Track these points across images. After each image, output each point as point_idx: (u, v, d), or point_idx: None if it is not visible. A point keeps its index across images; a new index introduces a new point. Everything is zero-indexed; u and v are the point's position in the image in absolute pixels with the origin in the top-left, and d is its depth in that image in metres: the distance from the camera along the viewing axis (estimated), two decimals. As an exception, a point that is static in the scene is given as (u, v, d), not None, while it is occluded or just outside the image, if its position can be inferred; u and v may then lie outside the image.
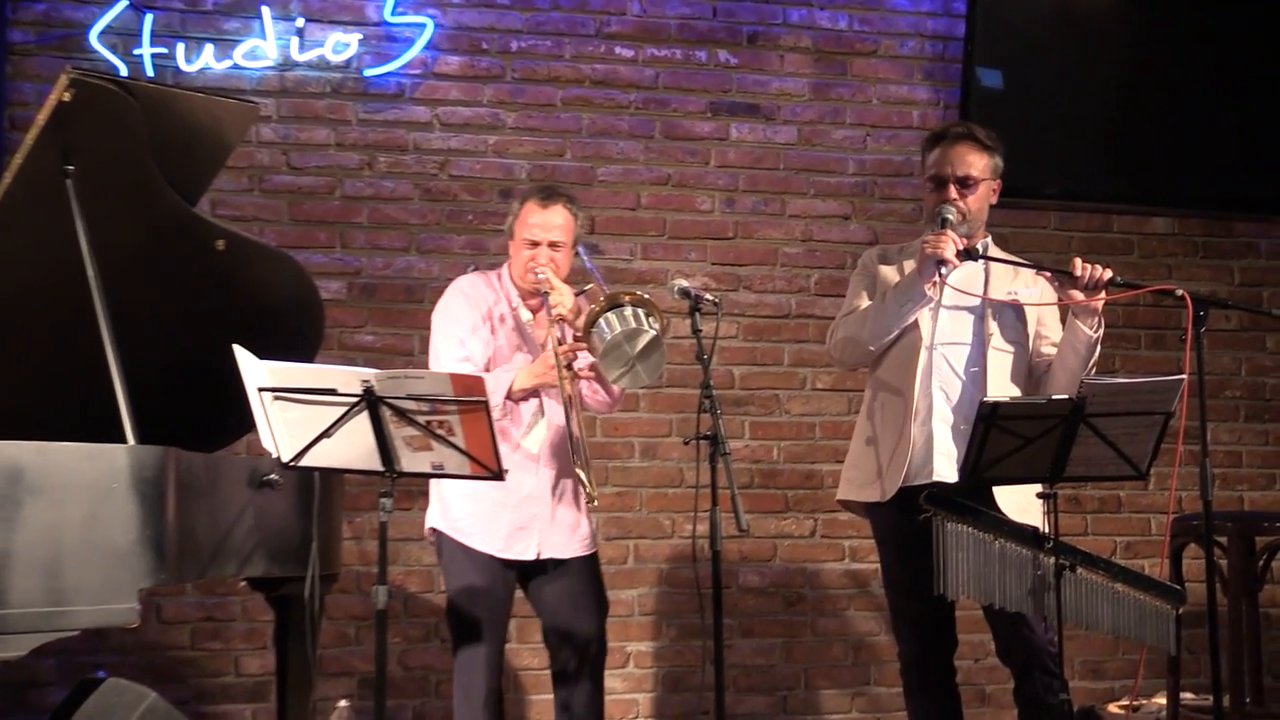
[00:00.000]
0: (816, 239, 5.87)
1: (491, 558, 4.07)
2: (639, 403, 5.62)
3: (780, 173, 5.87)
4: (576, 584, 4.14)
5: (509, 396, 4.02)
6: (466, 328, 4.13)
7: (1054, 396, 3.54)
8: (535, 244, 4.09)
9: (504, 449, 4.05)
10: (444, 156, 5.59)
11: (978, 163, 3.92)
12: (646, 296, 3.76)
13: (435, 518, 4.17)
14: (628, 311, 3.72)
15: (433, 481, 4.18)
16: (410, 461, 3.41)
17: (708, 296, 3.77)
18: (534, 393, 4.06)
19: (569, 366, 3.98)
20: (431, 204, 5.57)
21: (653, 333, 3.68)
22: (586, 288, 4.18)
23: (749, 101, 5.86)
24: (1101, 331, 3.85)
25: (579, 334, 3.90)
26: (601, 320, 3.73)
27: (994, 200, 4.00)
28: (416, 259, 5.53)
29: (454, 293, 4.21)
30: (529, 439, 4.08)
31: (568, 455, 4.09)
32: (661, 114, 5.78)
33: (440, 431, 3.34)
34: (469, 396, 3.30)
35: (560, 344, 3.99)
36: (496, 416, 4.02)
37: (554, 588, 4.12)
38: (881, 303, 3.90)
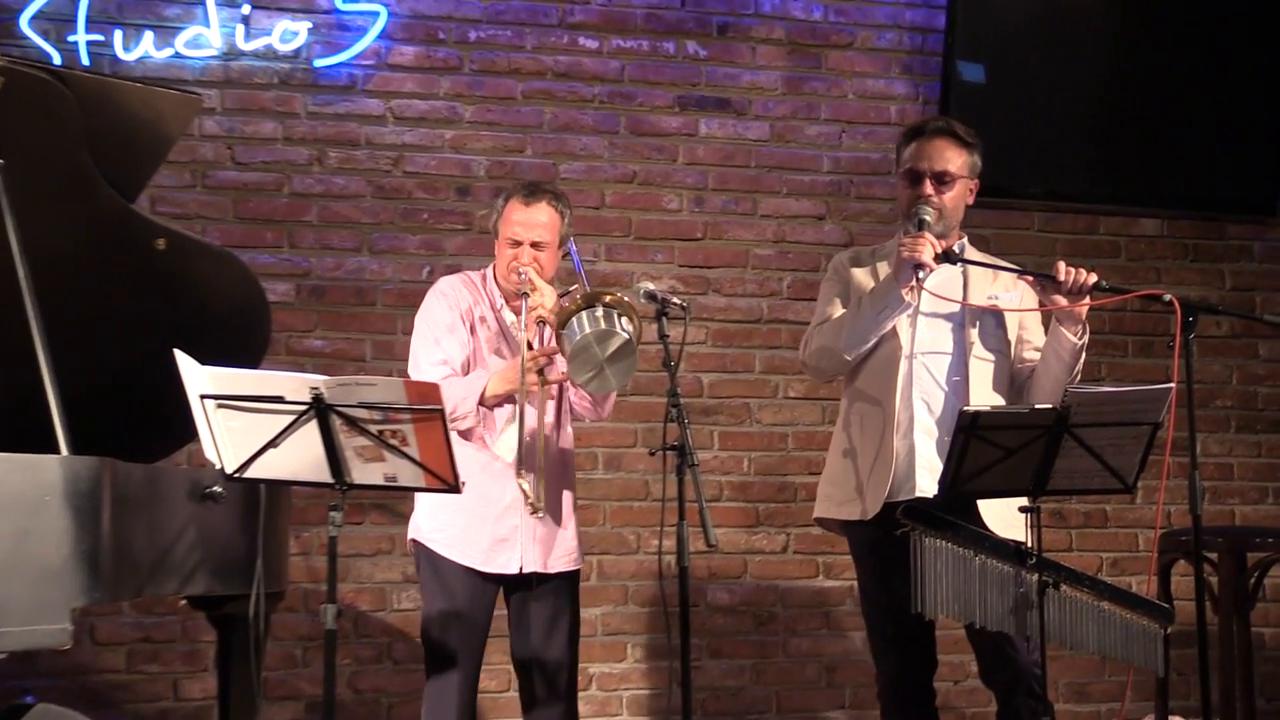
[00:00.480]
0: (789, 240, 5.89)
1: (471, 571, 4.06)
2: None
3: (751, 170, 5.88)
4: (554, 604, 4.12)
5: (482, 402, 4.01)
6: (443, 329, 4.13)
7: (1037, 406, 3.55)
8: (517, 243, 4.09)
9: (484, 458, 4.06)
10: (398, 152, 5.58)
11: (956, 159, 3.93)
12: (625, 299, 3.76)
13: (416, 529, 4.16)
14: (599, 312, 3.72)
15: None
16: (361, 473, 3.40)
17: (675, 300, 3.77)
18: (510, 398, 4.04)
19: (540, 372, 3.97)
20: (384, 202, 5.56)
21: (624, 336, 3.68)
22: (571, 289, 4.17)
23: (719, 95, 5.87)
24: (1086, 338, 3.87)
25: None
26: (573, 320, 3.73)
27: (970, 201, 4.02)
28: (369, 260, 5.52)
29: (433, 294, 4.21)
30: (500, 445, 4.07)
31: (552, 453, 4.10)
32: (627, 108, 5.79)
33: (393, 442, 3.33)
34: (424, 405, 3.29)
35: (531, 348, 3.99)
36: (471, 423, 4.01)
37: (533, 606, 4.11)
38: (857, 310, 3.89)
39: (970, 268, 3.99)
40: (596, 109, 5.76)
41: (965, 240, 4.04)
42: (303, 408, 3.30)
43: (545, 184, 4.27)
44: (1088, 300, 3.80)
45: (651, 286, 3.80)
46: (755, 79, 5.91)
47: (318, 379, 3.31)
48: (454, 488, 3.39)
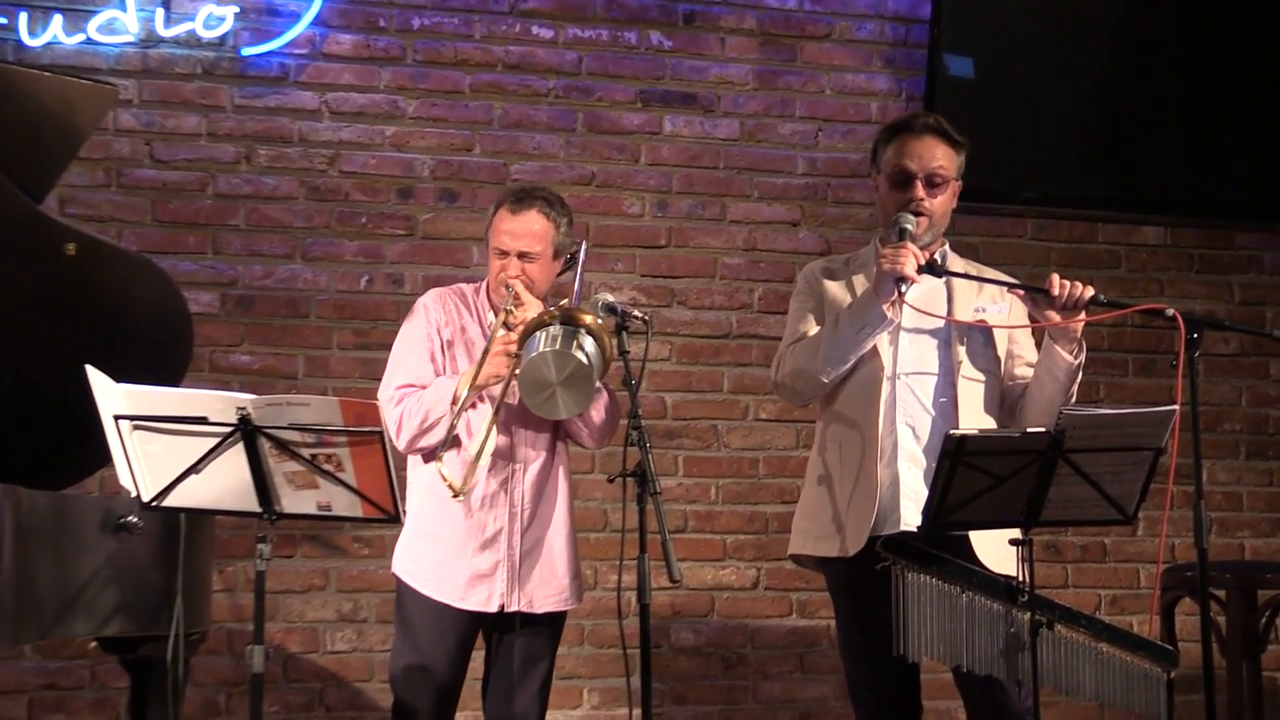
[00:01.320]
0: (761, 248, 5.90)
1: (447, 610, 4.04)
2: (557, 435, 5.61)
3: (720, 172, 5.90)
4: (529, 649, 4.10)
5: (457, 404, 3.96)
6: (412, 348, 4.13)
7: (1029, 429, 3.56)
8: (505, 253, 4.09)
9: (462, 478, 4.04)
10: (334, 150, 5.58)
11: (947, 159, 3.93)
12: (601, 322, 3.73)
13: (395, 561, 4.16)
14: (558, 330, 3.70)
15: (408, 516, 4.17)
16: (292, 501, 3.39)
17: (636, 313, 3.78)
18: (492, 404, 4.01)
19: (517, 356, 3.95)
20: (319, 204, 5.55)
21: (581, 361, 3.65)
22: (563, 302, 4.16)
23: (685, 90, 5.89)
24: (1083, 357, 3.88)
25: None
26: (533, 335, 3.72)
27: (954, 204, 4.03)
28: (301, 268, 5.51)
29: (414, 310, 4.22)
30: (473, 445, 4.03)
31: (545, 483, 4.10)
32: (585, 104, 5.80)
33: (327, 467, 3.33)
34: (361, 426, 3.29)
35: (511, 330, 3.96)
36: (443, 433, 3.95)
37: (507, 651, 4.09)
38: (834, 328, 3.88)
39: (955, 279, 4.00)
40: (551, 104, 5.77)
41: (947, 248, 4.04)
42: (228, 429, 3.29)
43: (538, 189, 4.24)
44: (1084, 316, 3.82)
45: (611, 298, 3.80)
46: (724, 72, 5.93)
47: (245, 398, 3.30)
48: (394, 517, 3.39)
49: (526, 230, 4.09)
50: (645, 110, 5.85)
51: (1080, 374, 3.90)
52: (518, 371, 3.75)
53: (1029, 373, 3.97)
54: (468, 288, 4.27)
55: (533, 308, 3.98)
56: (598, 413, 4.09)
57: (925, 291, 3.92)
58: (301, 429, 3.29)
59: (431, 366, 4.11)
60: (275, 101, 5.55)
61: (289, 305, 5.49)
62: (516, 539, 4.07)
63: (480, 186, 5.66)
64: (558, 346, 3.66)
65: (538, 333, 3.71)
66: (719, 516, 5.78)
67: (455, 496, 3.85)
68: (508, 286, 4.04)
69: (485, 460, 3.96)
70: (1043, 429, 3.49)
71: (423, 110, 5.66)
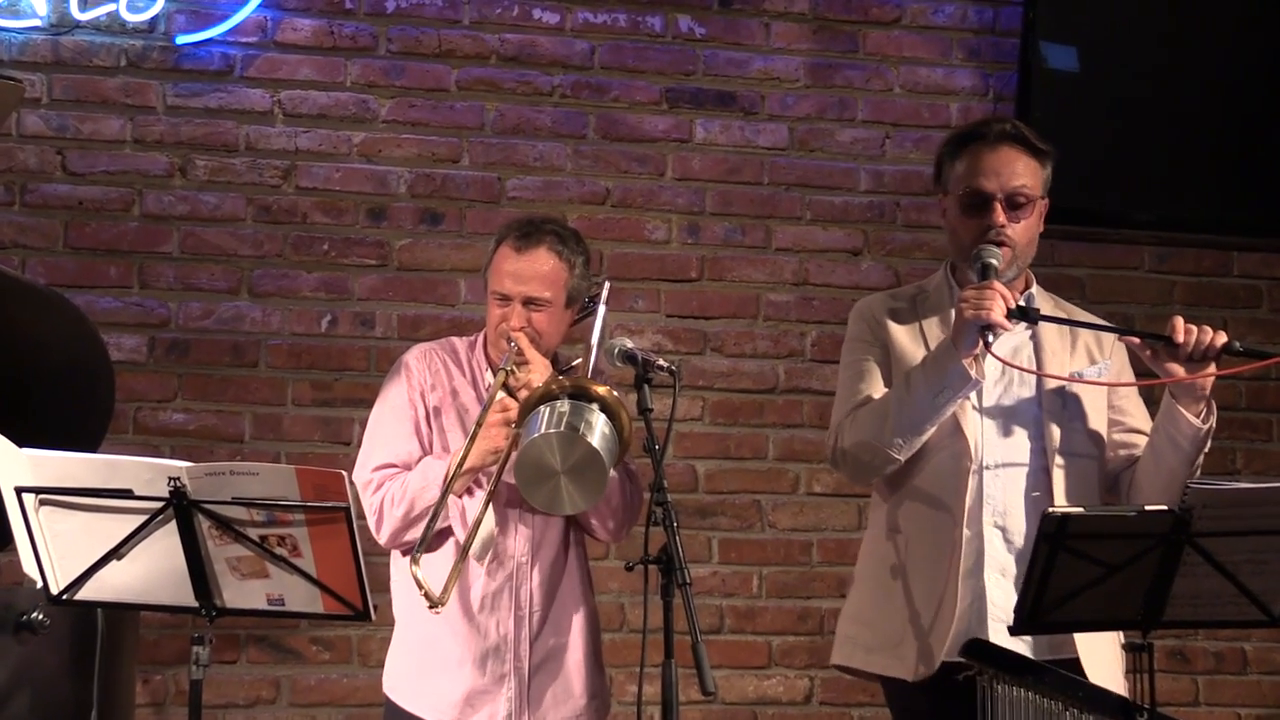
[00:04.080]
0: (814, 282, 5.91)
1: None
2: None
3: (764, 189, 5.92)
4: None
5: (449, 487, 3.94)
6: (391, 420, 4.14)
7: (1148, 507, 3.55)
8: (507, 299, 4.10)
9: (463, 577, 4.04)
10: (289, 160, 5.60)
11: (1030, 174, 3.91)
12: (617, 396, 3.70)
13: (385, 674, 4.17)
14: (562, 405, 3.66)
15: (396, 620, 4.16)
16: (236, 593, 3.39)
17: (661, 362, 3.77)
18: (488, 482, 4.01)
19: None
20: (271, 227, 5.57)
21: (591, 447, 3.62)
22: (573, 364, 4.17)
23: (721, 88, 5.91)
24: (1214, 420, 3.87)
25: None
26: (533, 413, 3.68)
27: (1041, 227, 4.02)
28: (248, 305, 5.53)
29: (395, 371, 4.23)
30: (474, 547, 4.03)
31: (559, 580, 4.12)
32: (599, 104, 5.82)
33: (280, 551, 3.33)
34: (322, 501, 3.29)
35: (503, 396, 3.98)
36: (438, 525, 3.96)
37: None
38: (906, 390, 3.86)
39: (1042, 326, 3.98)
40: (557, 105, 5.80)
41: (1034, 286, 4.03)
42: (157, 505, 3.29)
43: (548, 222, 4.25)
44: (1215, 368, 3.81)
45: (629, 344, 3.80)
46: (769, 66, 5.95)
47: (178, 466, 3.30)
48: (361, 614, 3.38)
49: (534, 272, 4.10)
50: (672, 112, 5.87)
51: (1210, 441, 3.89)
52: (515, 453, 3.75)
53: (1136, 440, 3.96)
54: (460, 342, 4.29)
55: (539, 368, 3.99)
56: (615, 494, 4.09)
57: (1008, 352, 3.91)
58: (248, 504, 3.29)
59: (416, 441, 4.12)
60: (217, 101, 5.57)
61: (233, 352, 5.50)
62: (525, 648, 4.07)
63: (469, 206, 5.68)
64: (563, 427, 3.63)
65: (540, 408, 3.68)
66: (763, 613, 5.77)
67: (432, 608, 3.81)
68: (509, 340, 4.04)
69: (478, 547, 3.97)
70: (1165, 507, 3.46)
71: (398, 112, 5.69)
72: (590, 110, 5.82)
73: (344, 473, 3.40)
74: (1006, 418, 3.93)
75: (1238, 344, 3.79)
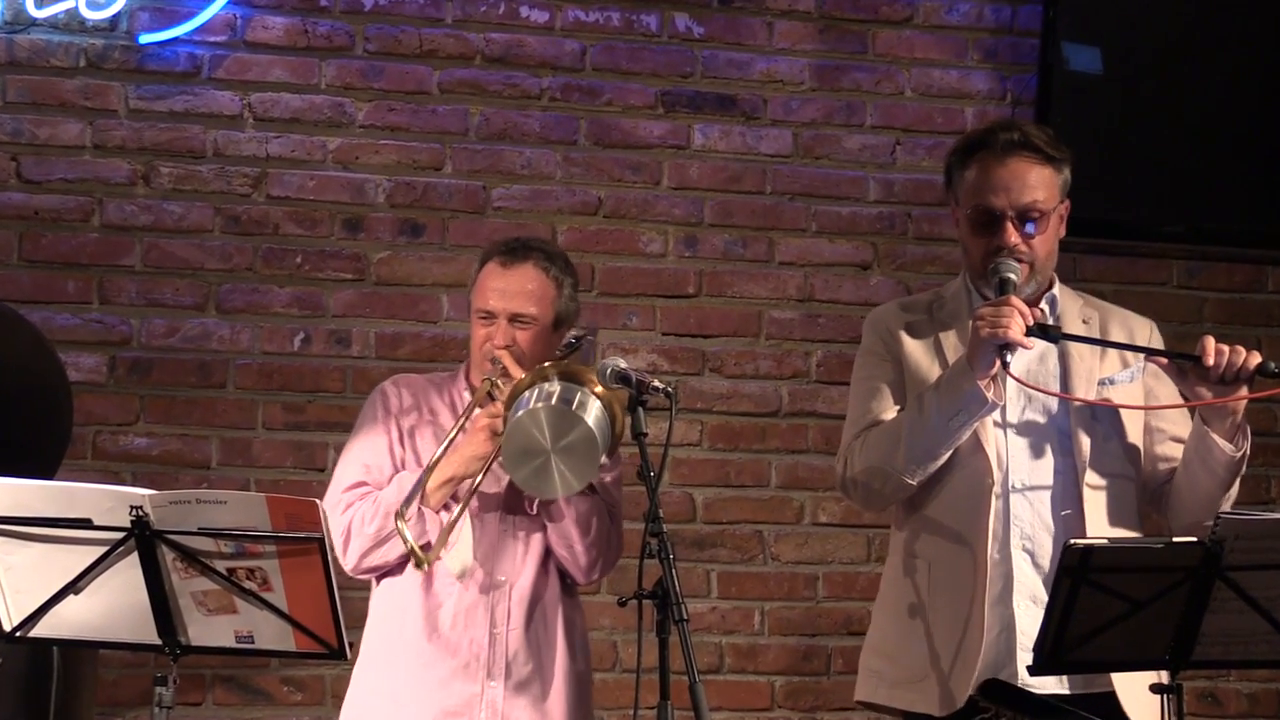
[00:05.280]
0: (820, 298, 5.92)
1: None
2: (551, 543, 5.61)
3: (767, 198, 5.93)
4: None
5: (423, 502, 3.99)
6: (366, 441, 4.16)
7: (1176, 539, 3.55)
8: (492, 317, 4.13)
9: (428, 597, 4.06)
10: (260, 167, 5.60)
11: (1043, 184, 3.90)
12: (614, 390, 3.74)
13: (345, 704, 4.18)
14: (553, 385, 3.72)
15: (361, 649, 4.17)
16: (202, 630, 3.39)
17: (656, 383, 3.77)
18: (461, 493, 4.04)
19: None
20: (240, 239, 5.57)
21: (587, 426, 3.68)
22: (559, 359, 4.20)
23: (721, 91, 5.92)
24: (1248, 446, 3.87)
25: None
26: (525, 393, 3.74)
27: (1063, 232, 4.02)
28: (216, 322, 5.53)
29: (371, 400, 4.26)
30: (450, 558, 4.05)
31: (537, 603, 4.11)
32: (590, 108, 5.83)
33: (250, 584, 3.33)
34: (295, 531, 3.30)
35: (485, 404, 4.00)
36: (400, 552, 3.98)
37: None
38: (919, 412, 3.86)
39: (1069, 327, 3.98)
40: (546, 109, 5.80)
41: (1057, 290, 4.03)
42: (118, 535, 3.29)
43: (535, 241, 4.31)
44: (1248, 391, 3.81)
45: (623, 364, 3.80)
46: (773, 67, 5.96)
47: (140, 493, 3.30)
48: (337, 652, 3.38)
49: (520, 288, 4.14)
50: (669, 117, 5.88)
51: (1244, 466, 3.89)
52: (502, 438, 3.77)
53: (1176, 451, 3.96)
54: (442, 375, 4.33)
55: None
56: (594, 521, 4.11)
57: (1031, 360, 3.92)
58: (215, 534, 3.29)
59: (389, 460, 4.14)
60: (183, 104, 5.58)
61: (199, 371, 5.51)
62: (499, 668, 4.06)
63: (452, 217, 5.69)
64: (554, 403, 3.68)
65: (523, 394, 3.75)
66: (765, 652, 5.78)
67: (419, 566, 3.89)
68: (494, 361, 4.07)
69: (455, 564, 3.98)
70: (1194, 539, 3.46)
71: (377, 116, 5.70)
72: (581, 115, 5.84)
73: (317, 501, 3.41)
74: (1032, 432, 3.93)
75: (1272, 365, 3.78)
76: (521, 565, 4.11)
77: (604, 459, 3.82)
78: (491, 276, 4.16)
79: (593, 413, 3.72)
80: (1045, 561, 3.85)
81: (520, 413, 3.69)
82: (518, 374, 4.00)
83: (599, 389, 3.73)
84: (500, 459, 3.84)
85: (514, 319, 4.11)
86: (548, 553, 4.16)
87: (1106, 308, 4.10)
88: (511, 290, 4.13)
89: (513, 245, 4.21)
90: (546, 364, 3.83)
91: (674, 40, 5.91)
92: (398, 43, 5.72)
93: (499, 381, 4.02)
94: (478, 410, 4.03)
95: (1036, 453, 3.92)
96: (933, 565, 3.93)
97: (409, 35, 5.73)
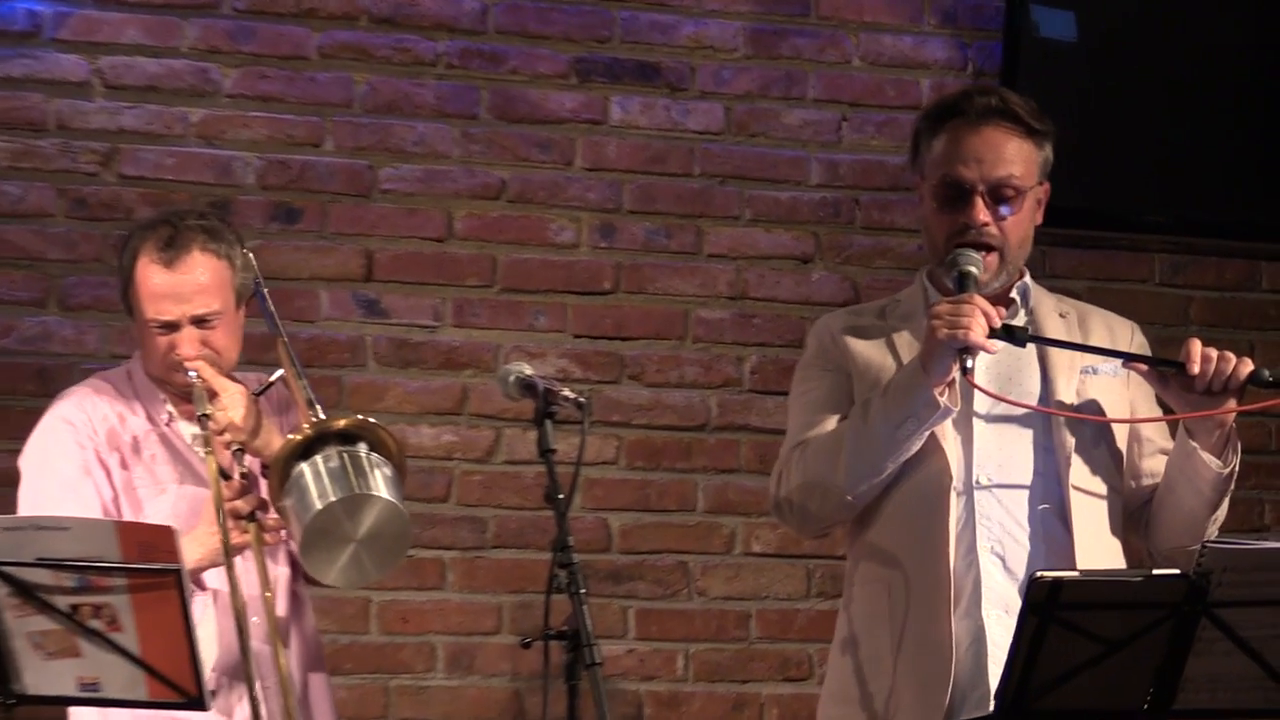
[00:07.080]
0: (755, 295, 5.93)
1: None
2: (443, 573, 5.60)
3: (695, 181, 5.94)
4: None
5: None
6: (61, 492, 4.10)
7: (1156, 571, 3.57)
8: (170, 327, 4.09)
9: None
10: (110, 143, 5.58)
11: (1020, 158, 3.93)
12: (373, 422, 3.74)
13: None
14: (335, 462, 3.67)
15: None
16: (40, 677, 3.39)
17: (566, 393, 3.78)
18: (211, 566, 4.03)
19: (251, 516, 3.95)
20: (88, 225, 5.55)
21: (384, 498, 3.66)
22: (275, 375, 4.17)
23: (642, 58, 5.93)
24: (1236, 462, 3.91)
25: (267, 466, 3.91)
26: (299, 478, 3.68)
27: (1039, 219, 4.04)
28: (59, 321, 5.51)
29: (51, 428, 4.21)
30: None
31: (288, 638, 4.15)
32: (492, 77, 5.83)
33: (96, 623, 3.32)
34: (148, 562, 3.28)
35: (230, 479, 3.98)
36: None
37: None
38: (863, 420, 3.87)
39: (1045, 318, 4.01)
40: (441, 77, 5.80)
41: (1029, 281, 4.05)
42: (-56, 567, 3.28)
43: (187, 216, 4.25)
44: (1235, 403, 3.84)
45: (528, 371, 3.80)
46: (702, 31, 5.98)
47: (-32, 519, 3.29)
48: (195, 700, 3.37)
49: (194, 285, 4.10)
50: (583, 88, 5.89)
51: (1232, 484, 3.93)
52: (298, 542, 3.71)
53: (1159, 466, 3.98)
54: (115, 375, 4.30)
55: (233, 398, 4.02)
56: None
57: (1006, 360, 3.94)
58: (56, 565, 3.29)
59: (99, 501, 4.10)
60: (21, 69, 5.55)
61: (38, 378, 5.48)
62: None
63: (333, 200, 5.68)
64: (349, 488, 3.64)
65: (296, 479, 3.69)
66: (690, 700, 5.79)
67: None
68: (187, 371, 4.05)
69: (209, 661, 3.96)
70: (1177, 571, 3.49)
71: (247, 84, 5.68)
72: (482, 84, 5.83)
73: (174, 527, 3.40)
74: (1005, 422, 3.95)
75: (1266, 373, 3.82)
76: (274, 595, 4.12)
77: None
78: (154, 277, 4.10)
79: (379, 480, 3.69)
80: (1020, 567, 3.87)
81: (316, 508, 3.63)
82: (221, 384, 4.03)
83: (345, 423, 3.73)
84: (298, 550, 3.79)
85: (198, 322, 4.10)
86: (292, 568, 4.20)
87: (1084, 305, 4.12)
88: (186, 291, 4.09)
89: (167, 235, 4.13)
90: (299, 429, 3.76)
91: (589, 0, 5.90)
92: (271, 0, 5.70)
93: (209, 410, 3.98)
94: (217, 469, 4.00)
95: (1010, 446, 3.94)
96: (891, 587, 3.93)
97: (284, -9, 5.72)
